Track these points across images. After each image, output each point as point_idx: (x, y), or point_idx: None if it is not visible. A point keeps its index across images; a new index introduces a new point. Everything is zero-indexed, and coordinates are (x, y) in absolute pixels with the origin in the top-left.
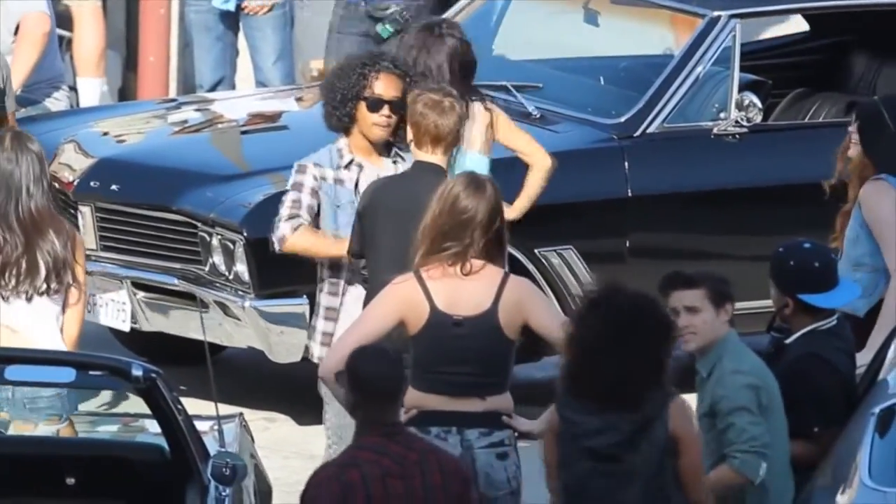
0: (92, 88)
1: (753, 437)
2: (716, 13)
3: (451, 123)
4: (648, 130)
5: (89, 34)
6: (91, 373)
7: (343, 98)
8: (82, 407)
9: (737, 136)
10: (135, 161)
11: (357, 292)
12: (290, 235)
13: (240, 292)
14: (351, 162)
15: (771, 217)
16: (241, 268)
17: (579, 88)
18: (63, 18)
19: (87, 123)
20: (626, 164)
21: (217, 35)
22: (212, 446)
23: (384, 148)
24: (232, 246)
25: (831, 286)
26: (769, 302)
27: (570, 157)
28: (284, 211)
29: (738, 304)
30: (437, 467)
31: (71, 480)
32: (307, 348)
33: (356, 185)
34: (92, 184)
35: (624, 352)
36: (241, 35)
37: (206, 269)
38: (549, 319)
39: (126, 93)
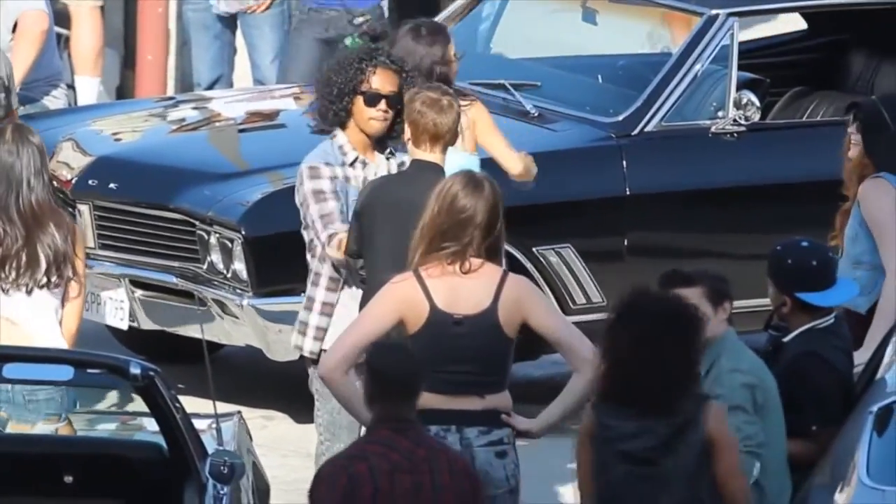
0: (90, 87)
1: (747, 436)
2: (714, 11)
3: (450, 122)
4: (646, 129)
5: (87, 32)
6: (89, 371)
7: (340, 92)
8: (81, 405)
9: (735, 134)
10: (133, 159)
11: (355, 289)
12: (337, 253)
13: (238, 290)
14: (356, 160)
15: (769, 215)
16: (239, 266)
17: (577, 87)
18: (61, 17)
19: (85, 122)
20: (624, 162)
21: (215, 33)
22: (210, 444)
23: (378, 143)
24: (230, 244)
25: (829, 284)
26: (767, 300)
27: (569, 156)
28: (320, 228)
29: (736, 303)
30: (447, 467)
31: (69, 479)
32: (296, 342)
33: (363, 182)
34: (90, 182)
35: (658, 358)
36: (238, 33)
37: (205, 267)
38: (548, 318)
39: (124, 91)
